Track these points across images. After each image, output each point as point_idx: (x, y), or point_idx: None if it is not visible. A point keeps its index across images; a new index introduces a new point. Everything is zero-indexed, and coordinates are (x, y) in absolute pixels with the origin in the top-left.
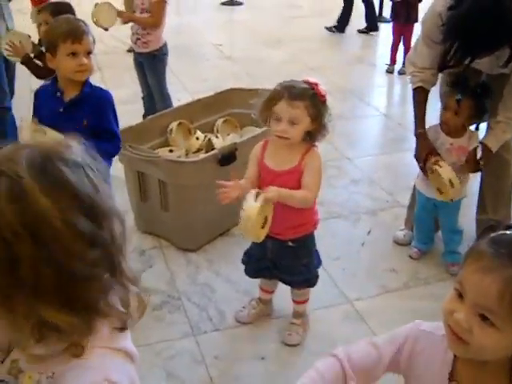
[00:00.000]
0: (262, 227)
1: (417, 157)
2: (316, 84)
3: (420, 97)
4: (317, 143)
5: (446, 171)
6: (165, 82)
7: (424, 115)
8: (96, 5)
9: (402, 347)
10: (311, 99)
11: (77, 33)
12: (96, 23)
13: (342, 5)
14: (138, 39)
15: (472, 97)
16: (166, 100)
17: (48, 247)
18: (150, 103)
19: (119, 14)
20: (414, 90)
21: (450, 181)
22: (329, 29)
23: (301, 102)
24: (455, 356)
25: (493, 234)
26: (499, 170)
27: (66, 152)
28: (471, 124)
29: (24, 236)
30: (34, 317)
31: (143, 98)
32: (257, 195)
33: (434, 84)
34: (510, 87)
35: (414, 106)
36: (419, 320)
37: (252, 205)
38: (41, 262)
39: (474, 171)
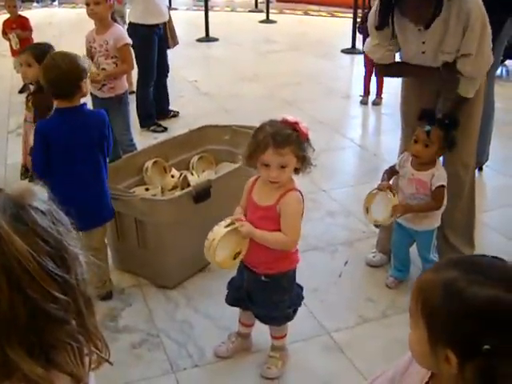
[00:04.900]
0: (234, 258)
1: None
2: (296, 123)
3: (387, 67)
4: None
5: (372, 199)
6: (130, 125)
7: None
8: None
9: None
10: (296, 142)
11: None
12: None
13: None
14: (104, 85)
15: (440, 127)
16: (133, 144)
17: (24, 290)
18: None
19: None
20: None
21: (367, 208)
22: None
23: (287, 148)
24: None
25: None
26: (455, 191)
27: (34, 199)
28: (439, 156)
29: (0, 278)
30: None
31: None
32: (230, 224)
33: (394, 57)
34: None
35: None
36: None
37: (220, 230)
38: (17, 304)
39: (437, 209)
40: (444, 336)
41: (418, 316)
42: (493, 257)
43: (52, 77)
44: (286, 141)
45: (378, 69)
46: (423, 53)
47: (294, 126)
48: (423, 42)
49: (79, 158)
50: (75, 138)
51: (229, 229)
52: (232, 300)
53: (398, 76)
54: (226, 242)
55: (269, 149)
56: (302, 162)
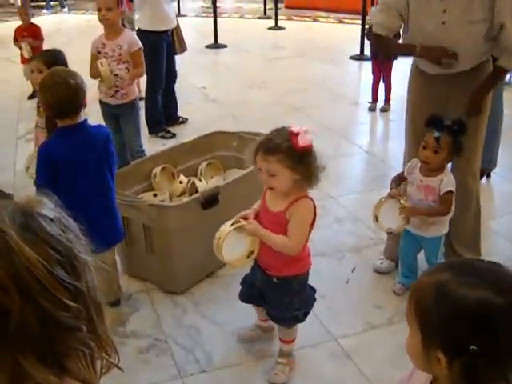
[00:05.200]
0: (248, 257)
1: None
2: (296, 134)
3: (379, 39)
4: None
5: (380, 207)
6: (140, 131)
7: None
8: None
9: None
10: (286, 152)
11: None
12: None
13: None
14: (117, 91)
15: (449, 133)
16: (142, 150)
17: (35, 299)
18: (121, 160)
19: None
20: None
21: (376, 216)
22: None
23: (273, 156)
24: None
25: None
26: (463, 200)
27: (42, 207)
28: (448, 162)
29: (12, 289)
30: (11, 364)
31: None
32: (235, 222)
33: (393, 30)
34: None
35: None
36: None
37: (225, 228)
38: (28, 313)
39: (444, 214)
40: (435, 337)
41: (412, 318)
42: (489, 261)
43: (64, 95)
44: (273, 149)
45: (373, 39)
46: (443, 23)
47: (290, 137)
48: (444, 11)
49: (83, 176)
50: (79, 155)
51: (234, 227)
52: (245, 297)
53: (387, 50)
54: (234, 240)
55: (259, 153)
56: (302, 175)
